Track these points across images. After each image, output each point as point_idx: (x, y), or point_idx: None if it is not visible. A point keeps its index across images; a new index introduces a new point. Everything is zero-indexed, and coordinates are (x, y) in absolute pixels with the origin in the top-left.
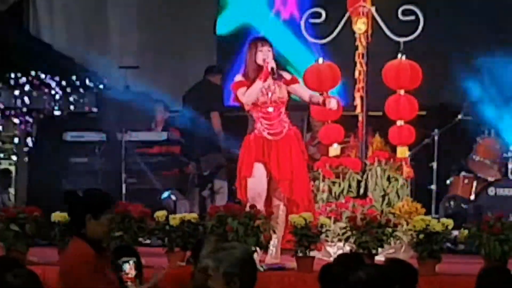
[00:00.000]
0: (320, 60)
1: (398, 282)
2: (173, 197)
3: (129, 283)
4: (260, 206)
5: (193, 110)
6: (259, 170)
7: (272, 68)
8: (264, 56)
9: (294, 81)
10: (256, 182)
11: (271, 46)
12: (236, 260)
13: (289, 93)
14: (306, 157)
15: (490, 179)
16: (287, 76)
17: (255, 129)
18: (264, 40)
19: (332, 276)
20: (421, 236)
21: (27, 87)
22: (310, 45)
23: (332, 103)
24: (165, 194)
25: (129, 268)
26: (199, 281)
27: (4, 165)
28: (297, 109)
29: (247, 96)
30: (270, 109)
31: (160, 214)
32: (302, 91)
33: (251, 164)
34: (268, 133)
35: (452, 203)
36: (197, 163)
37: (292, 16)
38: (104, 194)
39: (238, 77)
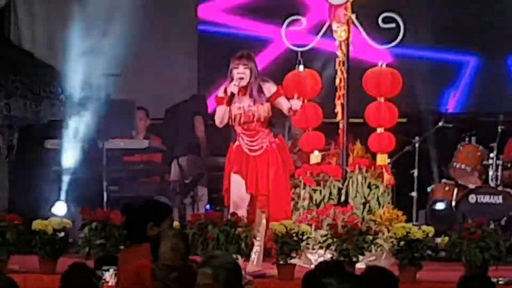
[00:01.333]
0: (301, 68)
1: None
2: None
3: None
4: (242, 214)
5: (175, 116)
6: (237, 180)
7: (231, 93)
8: (238, 74)
9: (277, 95)
10: (235, 192)
11: (250, 61)
12: (232, 267)
13: (273, 106)
14: (292, 167)
15: (471, 186)
16: (271, 88)
17: (237, 141)
18: (242, 57)
19: (315, 283)
20: (402, 243)
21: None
22: None
23: (294, 104)
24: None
25: (109, 276)
26: (160, 277)
27: None
28: (279, 116)
29: (215, 118)
30: (251, 126)
31: None
32: (284, 105)
33: (229, 174)
34: (248, 149)
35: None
36: (179, 170)
37: None
38: (163, 203)
39: (221, 92)
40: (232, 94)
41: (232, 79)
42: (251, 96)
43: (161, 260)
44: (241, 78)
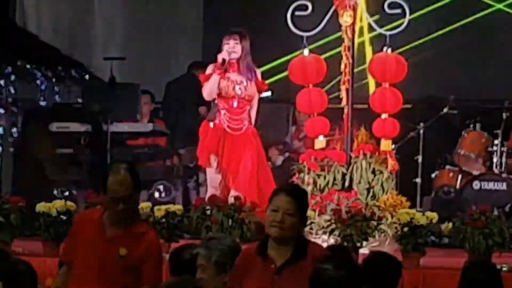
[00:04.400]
0: (306, 52)
1: (382, 274)
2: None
3: None
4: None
5: (175, 102)
6: (215, 161)
7: (223, 60)
8: (229, 49)
9: (261, 87)
10: (213, 172)
11: (242, 39)
12: (228, 249)
13: (260, 91)
14: (262, 155)
15: (475, 172)
16: (259, 76)
17: (216, 119)
18: (234, 33)
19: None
20: (406, 229)
21: (12, 77)
22: None
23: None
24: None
25: None
26: (109, 208)
27: None
28: (282, 102)
29: (204, 89)
30: (235, 104)
31: (145, 206)
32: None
33: (208, 154)
34: (228, 126)
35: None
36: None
37: None
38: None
39: (209, 69)
40: (224, 61)
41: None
42: (240, 73)
43: (108, 192)
44: (233, 52)
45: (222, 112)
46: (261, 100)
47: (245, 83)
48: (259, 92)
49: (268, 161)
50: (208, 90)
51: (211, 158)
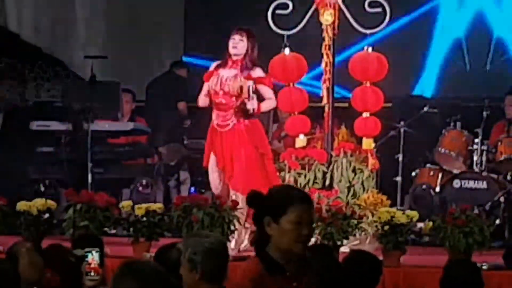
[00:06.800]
0: (286, 51)
1: (363, 273)
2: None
3: (92, 274)
4: (218, 193)
5: (157, 100)
6: (212, 160)
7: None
8: (234, 44)
9: (260, 80)
10: (211, 172)
11: (248, 36)
12: (202, 249)
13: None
14: (267, 154)
15: (456, 171)
16: (258, 72)
17: (213, 119)
18: (241, 29)
19: None
20: (386, 227)
21: None
22: None
23: (248, 105)
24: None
25: (91, 258)
26: None
27: None
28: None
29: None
30: (222, 100)
31: (126, 204)
32: (262, 94)
33: (208, 154)
34: (217, 124)
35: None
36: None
37: None
38: (287, 187)
39: (212, 66)
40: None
41: (227, 50)
42: (238, 68)
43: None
44: (234, 47)
45: (214, 110)
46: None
47: (233, 80)
48: (263, 84)
49: None
50: (199, 99)
51: (211, 158)
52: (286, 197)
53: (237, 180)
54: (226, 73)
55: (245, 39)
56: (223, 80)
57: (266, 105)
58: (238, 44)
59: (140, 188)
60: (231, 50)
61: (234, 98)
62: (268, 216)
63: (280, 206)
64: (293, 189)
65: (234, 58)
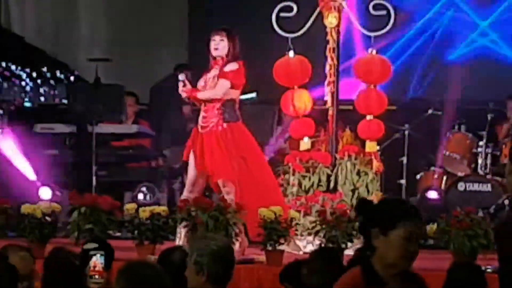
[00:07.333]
0: (291, 54)
1: None
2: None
3: (96, 277)
4: (194, 194)
5: (161, 103)
6: (191, 159)
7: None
8: (215, 45)
9: (223, 74)
10: (189, 170)
11: (228, 36)
12: (209, 252)
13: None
14: (244, 154)
15: (460, 174)
16: (230, 67)
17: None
18: (221, 30)
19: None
20: None
21: None
22: None
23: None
24: None
25: (95, 261)
26: None
27: None
28: (268, 103)
29: None
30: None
31: (130, 207)
32: (217, 88)
33: (188, 151)
34: (199, 125)
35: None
36: (163, 156)
37: None
38: (399, 201)
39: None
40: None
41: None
42: (218, 68)
43: None
44: (216, 49)
45: (202, 111)
46: (245, 101)
47: (212, 80)
48: (223, 77)
49: None
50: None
51: (190, 156)
52: (398, 211)
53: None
54: (210, 74)
55: (225, 38)
56: (206, 82)
57: (204, 94)
58: (219, 45)
59: (141, 196)
60: (213, 52)
61: (216, 100)
62: (376, 228)
63: (390, 219)
64: (404, 203)
65: (218, 58)
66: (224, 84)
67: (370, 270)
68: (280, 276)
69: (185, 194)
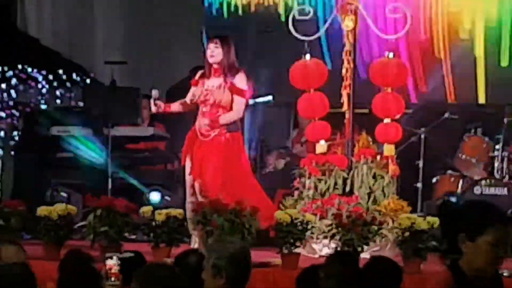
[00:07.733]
0: (307, 57)
1: (383, 279)
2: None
3: (112, 279)
4: (194, 197)
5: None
6: (188, 162)
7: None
8: (210, 53)
9: (237, 90)
10: (186, 175)
11: (223, 43)
12: (227, 255)
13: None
14: (243, 163)
15: (476, 177)
16: (240, 81)
17: (196, 123)
18: (216, 37)
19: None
20: (407, 234)
21: (13, 81)
22: None
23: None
24: None
25: (111, 263)
26: None
27: None
28: (283, 106)
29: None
30: (205, 109)
31: (146, 210)
32: (234, 105)
33: (185, 155)
34: (199, 131)
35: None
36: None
37: None
38: (486, 206)
39: (198, 74)
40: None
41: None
42: (222, 77)
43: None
44: (212, 56)
45: (199, 116)
46: (260, 104)
47: (216, 89)
48: (239, 95)
49: (270, 165)
50: (173, 104)
51: (187, 160)
52: (486, 217)
53: (201, 185)
54: (210, 83)
55: (219, 45)
56: (208, 91)
57: (227, 117)
58: (214, 52)
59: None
60: (210, 60)
61: (220, 110)
62: (463, 233)
63: (479, 225)
64: (492, 207)
65: (215, 66)
66: (242, 102)
67: (461, 275)
68: (296, 281)
69: (189, 200)
